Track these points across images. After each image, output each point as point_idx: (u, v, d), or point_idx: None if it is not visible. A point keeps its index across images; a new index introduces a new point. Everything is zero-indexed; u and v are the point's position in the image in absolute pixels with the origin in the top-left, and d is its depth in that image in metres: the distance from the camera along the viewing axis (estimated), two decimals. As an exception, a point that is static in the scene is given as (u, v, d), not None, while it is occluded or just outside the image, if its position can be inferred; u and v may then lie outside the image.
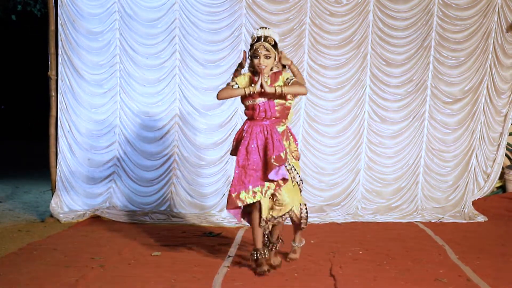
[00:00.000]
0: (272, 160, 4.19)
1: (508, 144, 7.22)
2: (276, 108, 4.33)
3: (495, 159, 7.07)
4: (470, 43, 6.80)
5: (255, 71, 4.30)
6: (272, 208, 4.34)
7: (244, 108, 4.41)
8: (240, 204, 4.26)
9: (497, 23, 6.81)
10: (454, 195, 6.92)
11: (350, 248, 5.14)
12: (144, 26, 6.53)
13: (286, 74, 4.40)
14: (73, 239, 5.37)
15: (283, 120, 4.51)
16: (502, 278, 4.20)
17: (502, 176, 7.28)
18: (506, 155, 7.30)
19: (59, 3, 6.45)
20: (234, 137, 4.48)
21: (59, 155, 6.56)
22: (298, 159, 4.69)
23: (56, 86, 6.50)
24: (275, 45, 4.30)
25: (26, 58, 16.38)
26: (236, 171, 4.31)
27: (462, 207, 6.84)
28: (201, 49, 6.58)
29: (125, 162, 6.60)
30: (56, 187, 6.53)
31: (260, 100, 4.29)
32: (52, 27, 6.42)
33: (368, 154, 6.84)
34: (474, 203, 6.95)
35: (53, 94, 6.48)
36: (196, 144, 6.61)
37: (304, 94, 4.50)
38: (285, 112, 4.49)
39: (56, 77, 6.48)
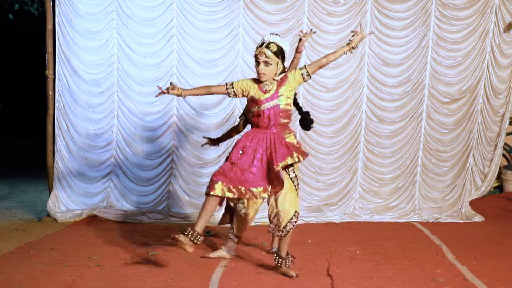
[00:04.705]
0: (278, 167, 4.07)
1: (505, 144, 7.23)
2: (280, 114, 4.19)
3: (492, 159, 7.08)
4: (468, 43, 6.81)
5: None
6: (275, 217, 4.16)
7: (250, 114, 4.34)
8: (213, 193, 4.13)
9: (495, 23, 6.81)
10: (452, 195, 6.93)
11: (347, 248, 5.15)
12: (141, 25, 6.52)
13: (292, 72, 4.22)
14: (70, 239, 5.37)
15: (289, 128, 4.34)
16: (499, 278, 4.21)
17: (499, 176, 7.30)
18: (503, 155, 7.32)
19: (57, 2, 6.43)
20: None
21: (56, 154, 6.55)
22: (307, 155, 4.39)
23: (54, 85, 6.49)
24: (278, 52, 4.13)
25: (23, 57, 16.33)
26: (225, 164, 4.32)
27: (460, 207, 6.85)
28: (199, 48, 6.58)
29: (122, 162, 6.60)
30: (53, 186, 6.52)
31: (265, 107, 4.17)
32: (50, 26, 6.40)
33: (365, 154, 6.84)
34: (472, 203, 6.97)
35: (50, 93, 6.47)
36: (194, 143, 6.60)
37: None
38: (288, 113, 4.31)
39: (53, 76, 6.47)
